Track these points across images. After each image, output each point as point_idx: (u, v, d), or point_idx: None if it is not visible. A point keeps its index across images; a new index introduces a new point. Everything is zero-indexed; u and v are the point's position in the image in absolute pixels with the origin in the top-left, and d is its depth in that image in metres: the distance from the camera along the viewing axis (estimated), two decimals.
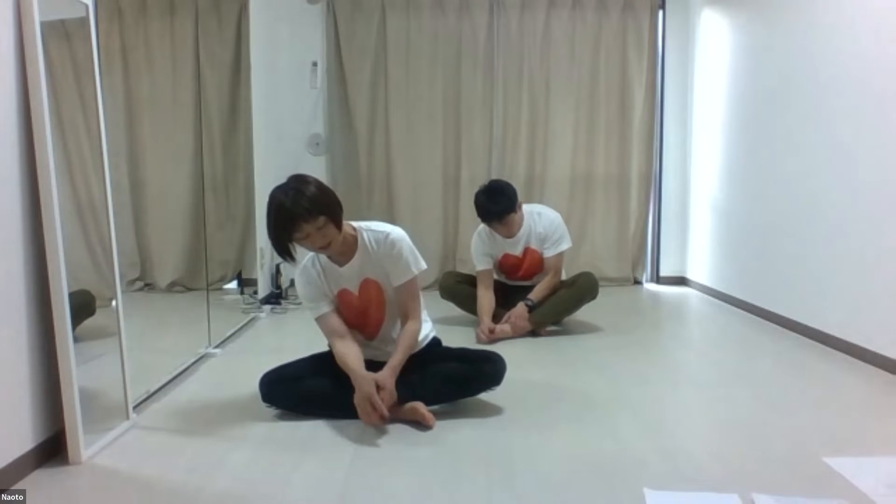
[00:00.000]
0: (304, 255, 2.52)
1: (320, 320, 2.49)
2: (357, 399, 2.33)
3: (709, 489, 1.91)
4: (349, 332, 2.50)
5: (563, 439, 2.30)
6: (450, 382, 2.51)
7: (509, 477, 2.00)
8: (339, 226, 2.32)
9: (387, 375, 2.38)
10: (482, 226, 3.93)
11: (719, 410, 2.67)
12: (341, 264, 2.45)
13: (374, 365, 2.51)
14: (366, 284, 2.48)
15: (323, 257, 2.47)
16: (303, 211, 2.22)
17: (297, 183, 2.29)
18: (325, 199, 2.29)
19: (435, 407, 2.48)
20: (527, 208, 3.87)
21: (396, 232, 2.47)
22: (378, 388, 2.33)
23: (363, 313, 2.52)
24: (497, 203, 3.70)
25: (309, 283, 2.48)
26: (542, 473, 2.02)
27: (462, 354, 2.61)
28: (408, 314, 2.49)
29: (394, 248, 2.43)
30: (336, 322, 2.48)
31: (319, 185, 2.33)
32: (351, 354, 2.42)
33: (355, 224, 2.47)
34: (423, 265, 2.50)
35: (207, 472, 2.05)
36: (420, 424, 2.39)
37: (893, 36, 3.01)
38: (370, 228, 2.47)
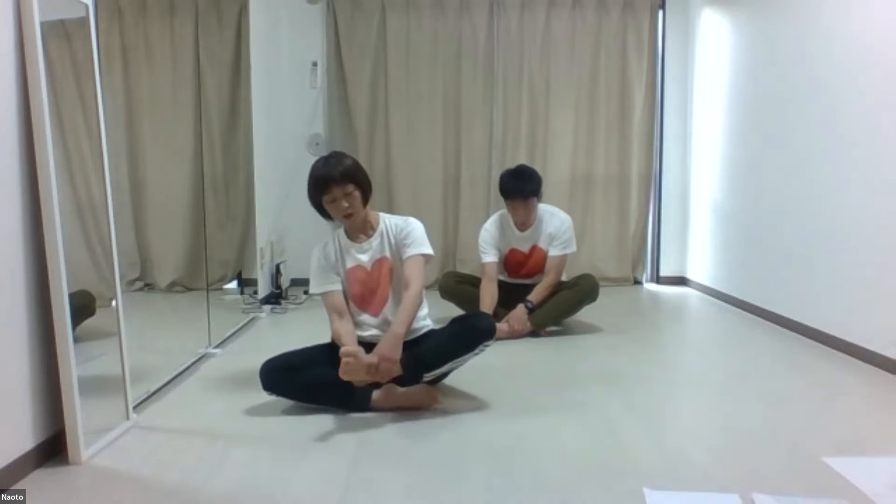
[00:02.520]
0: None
1: (326, 296, 2.63)
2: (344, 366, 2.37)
3: (709, 489, 1.91)
4: (348, 313, 2.63)
5: (563, 439, 2.30)
6: (445, 340, 2.58)
7: (509, 476, 2.00)
8: (365, 198, 2.58)
9: (390, 345, 2.43)
10: (492, 218, 3.95)
11: (719, 410, 2.67)
12: (361, 242, 2.64)
13: (373, 349, 2.53)
14: (379, 262, 2.65)
15: (343, 237, 2.66)
16: (336, 174, 2.49)
17: (337, 154, 2.62)
18: (359, 172, 2.58)
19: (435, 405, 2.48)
20: (540, 206, 3.87)
21: (414, 220, 2.69)
22: (381, 360, 2.40)
23: (372, 289, 2.64)
24: (526, 182, 3.74)
25: (325, 258, 2.66)
26: (543, 473, 2.03)
27: (450, 322, 2.72)
28: (409, 282, 2.57)
29: (408, 226, 2.64)
30: (340, 300, 2.63)
31: (356, 162, 2.61)
32: (347, 332, 2.54)
33: (380, 214, 2.71)
34: (431, 252, 2.65)
35: (207, 472, 2.05)
36: (420, 414, 2.41)
37: (894, 34, 3.01)
38: (391, 218, 2.71)
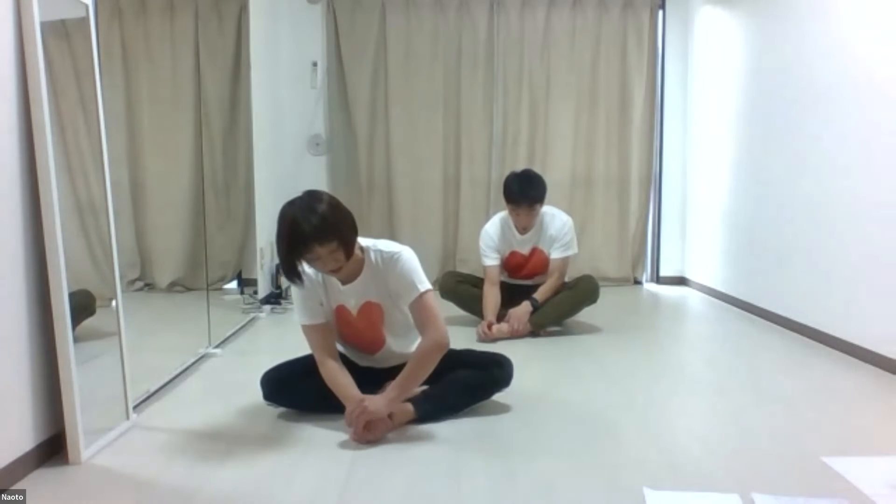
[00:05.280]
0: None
1: (309, 329, 2.39)
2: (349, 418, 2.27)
3: (709, 489, 1.91)
4: (337, 350, 2.44)
5: (562, 438, 2.30)
6: (466, 392, 2.49)
7: (509, 476, 2.00)
8: (350, 252, 2.23)
9: (383, 405, 2.27)
10: (492, 221, 3.93)
11: (719, 410, 2.67)
12: (344, 283, 2.36)
13: (373, 372, 2.51)
14: (366, 308, 2.39)
15: None
16: (317, 232, 2.12)
17: (312, 201, 2.18)
18: (339, 221, 2.19)
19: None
20: (542, 208, 3.86)
21: (405, 252, 2.37)
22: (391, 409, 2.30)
23: (362, 334, 2.47)
24: (532, 188, 3.70)
25: (307, 288, 2.36)
26: (542, 472, 2.03)
27: (471, 359, 2.58)
28: (423, 331, 2.39)
29: (397, 266, 2.33)
30: (326, 335, 2.40)
31: (334, 204, 2.22)
32: (342, 375, 2.35)
33: (364, 243, 2.36)
34: (428, 286, 2.37)
35: (207, 472, 2.05)
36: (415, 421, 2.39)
37: (894, 31, 3.01)
38: (377, 248, 2.36)
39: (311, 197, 2.21)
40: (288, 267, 2.23)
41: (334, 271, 2.25)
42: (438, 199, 5.41)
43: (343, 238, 2.19)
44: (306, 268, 2.30)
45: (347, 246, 2.21)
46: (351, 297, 2.38)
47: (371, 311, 2.40)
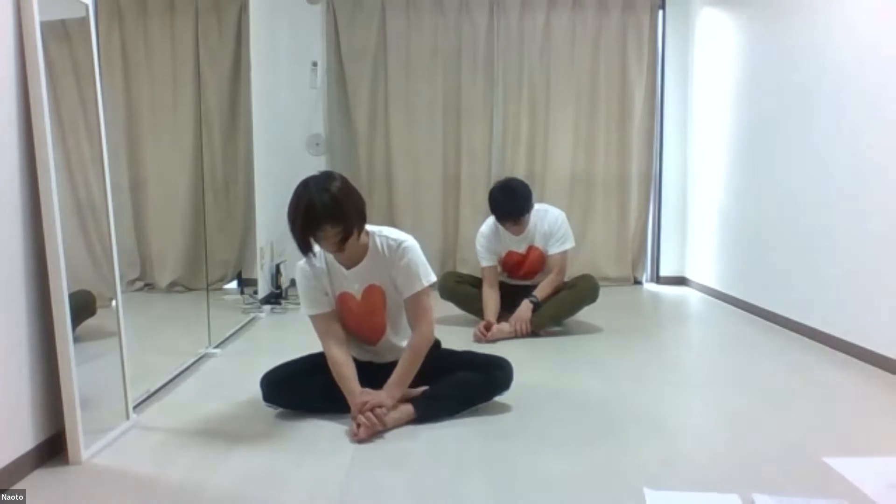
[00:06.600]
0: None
1: (315, 319, 2.46)
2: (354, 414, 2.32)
3: (709, 489, 1.91)
4: (344, 339, 2.47)
5: (562, 439, 2.30)
6: (466, 394, 2.50)
7: (509, 476, 2.00)
8: (358, 234, 2.30)
9: (385, 397, 2.35)
10: (487, 222, 3.93)
11: (719, 410, 2.66)
12: (348, 267, 2.41)
13: (373, 368, 2.52)
14: (369, 290, 2.44)
15: (329, 256, 2.43)
16: (329, 212, 2.20)
17: (327, 182, 2.25)
18: (352, 205, 2.26)
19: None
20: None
21: (409, 241, 2.43)
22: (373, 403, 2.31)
23: (364, 320, 2.49)
24: (514, 202, 3.69)
25: (310, 278, 2.44)
26: (542, 473, 2.02)
27: (471, 361, 2.59)
28: (415, 325, 2.46)
29: (404, 258, 2.39)
30: (332, 324, 2.45)
31: (347, 186, 2.29)
32: (347, 366, 2.41)
33: (369, 228, 2.41)
34: (433, 278, 2.46)
35: (207, 472, 2.05)
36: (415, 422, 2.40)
37: (894, 31, 3.01)
38: (382, 234, 2.43)
39: (326, 177, 2.29)
40: (301, 242, 2.29)
41: (339, 251, 2.31)
42: (438, 199, 5.41)
43: (353, 219, 2.26)
44: (316, 261, 2.41)
45: (356, 227, 2.28)
46: (355, 281, 2.43)
47: (374, 294, 2.44)
